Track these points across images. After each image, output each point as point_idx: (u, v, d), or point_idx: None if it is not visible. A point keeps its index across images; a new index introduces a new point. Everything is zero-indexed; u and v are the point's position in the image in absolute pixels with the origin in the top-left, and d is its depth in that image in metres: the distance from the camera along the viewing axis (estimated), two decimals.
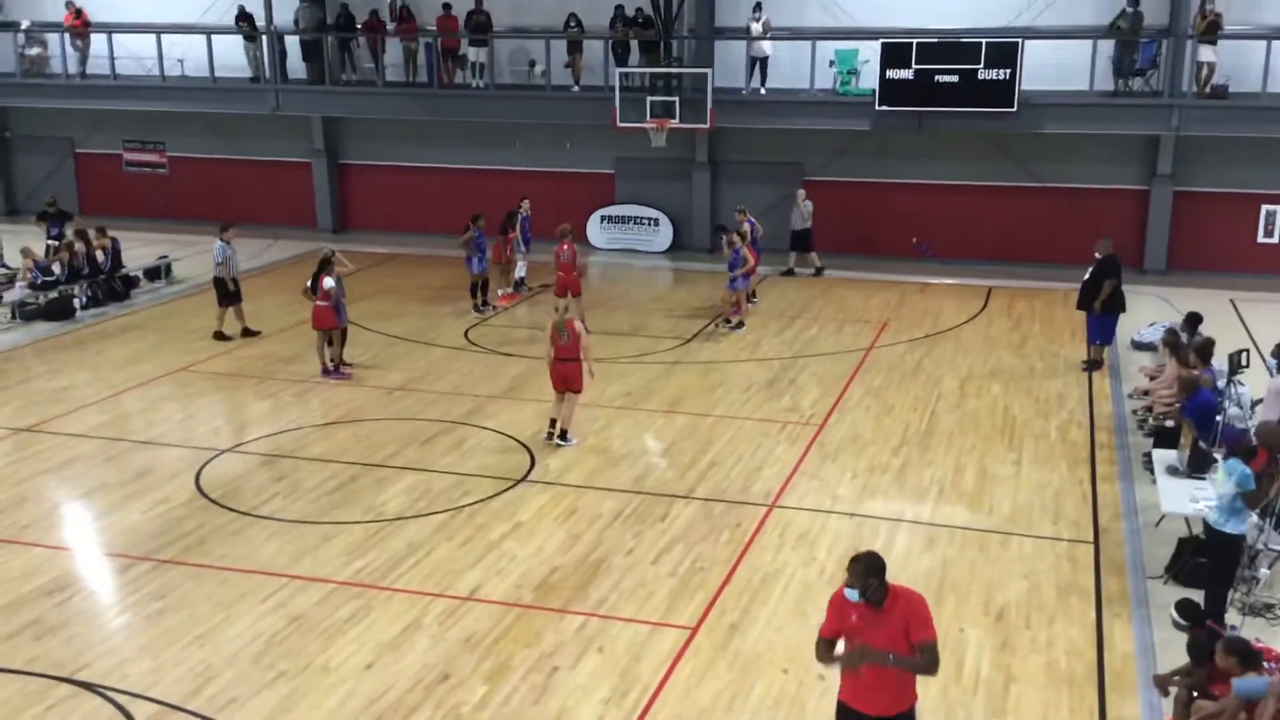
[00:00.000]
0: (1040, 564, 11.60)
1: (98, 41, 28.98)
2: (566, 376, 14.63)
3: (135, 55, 28.76)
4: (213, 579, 11.28)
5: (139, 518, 12.72)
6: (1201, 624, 9.02)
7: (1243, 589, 10.53)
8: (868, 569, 7.08)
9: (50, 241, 23.67)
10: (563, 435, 14.86)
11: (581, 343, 14.49)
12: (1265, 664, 8.07)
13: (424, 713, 9.12)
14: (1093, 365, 18.03)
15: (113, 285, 22.51)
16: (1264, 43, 22.48)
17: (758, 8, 25.20)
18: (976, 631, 10.30)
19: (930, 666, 7.05)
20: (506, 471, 14.00)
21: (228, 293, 19.70)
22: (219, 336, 19.72)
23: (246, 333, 19.91)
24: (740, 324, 20.35)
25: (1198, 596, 10.14)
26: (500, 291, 22.40)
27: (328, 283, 17.27)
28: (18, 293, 21.17)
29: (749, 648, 10.04)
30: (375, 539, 12.15)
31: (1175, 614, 9.17)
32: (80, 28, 29.19)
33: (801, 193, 24.57)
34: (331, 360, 17.75)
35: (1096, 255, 17.84)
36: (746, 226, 21.42)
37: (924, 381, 17.55)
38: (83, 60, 29.31)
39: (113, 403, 16.67)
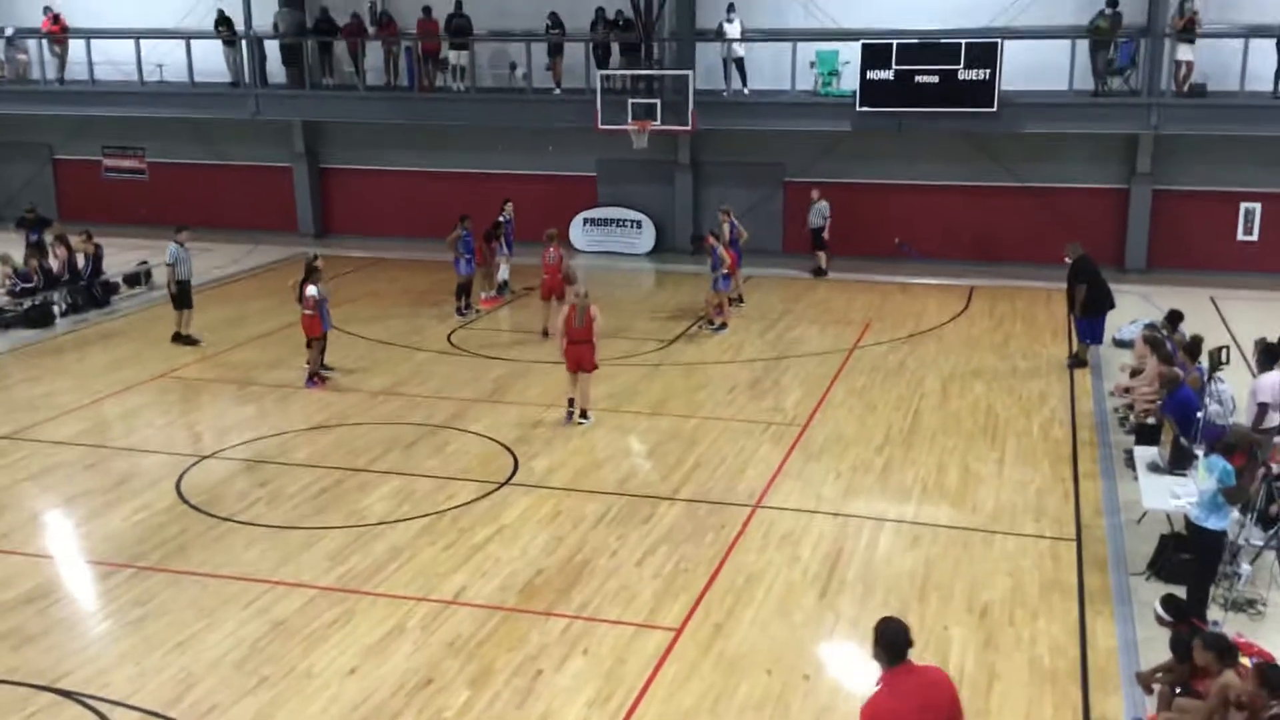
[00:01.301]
0: (1023, 561, 11.63)
1: (76, 47, 28.84)
2: (580, 358, 15.32)
3: (114, 61, 28.60)
4: (194, 585, 11.22)
5: (120, 524, 12.64)
6: (1185, 620, 9.05)
7: (1225, 585, 10.57)
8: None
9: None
10: (583, 414, 15.54)
11: (595, 325, 15.28)
12: (1245, 659, 8.10)
13: (407, 718, 9.08)
14: (1078, 363, 18.10)
15: (92, 292, 22.38)
16: (1242, 41, 22.59)
17: (730, 9, 25.23)
18: (960, 629, 10.31)
19: None
20: (490, 474, 13.96)
21: (174, 295, 19.55)
22: (179, 339, 19.56)
23: (179, 338, 19.64)
24: (723, 325, 20.36)
25: (1180, 593, 10.17)
26: (483, 295, 22.36)
27: (310, 290, 17.20)
28: None
29: (733, 649, 10.03)
30: (358, 544, 12.10)
31: (1159, 609, 9.19)
32: (59, 34, 29.05)
33: (815, 192, 24.60)
34: (309, 366, 17.66)
35: (1067, 259, 17.98)
36: (726, 227, 21.45)
37: (907, 381, 17.58)
38: (61, 66, 29.18)
39: (93, 409, 16.57)
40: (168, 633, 10.33)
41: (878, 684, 6.41)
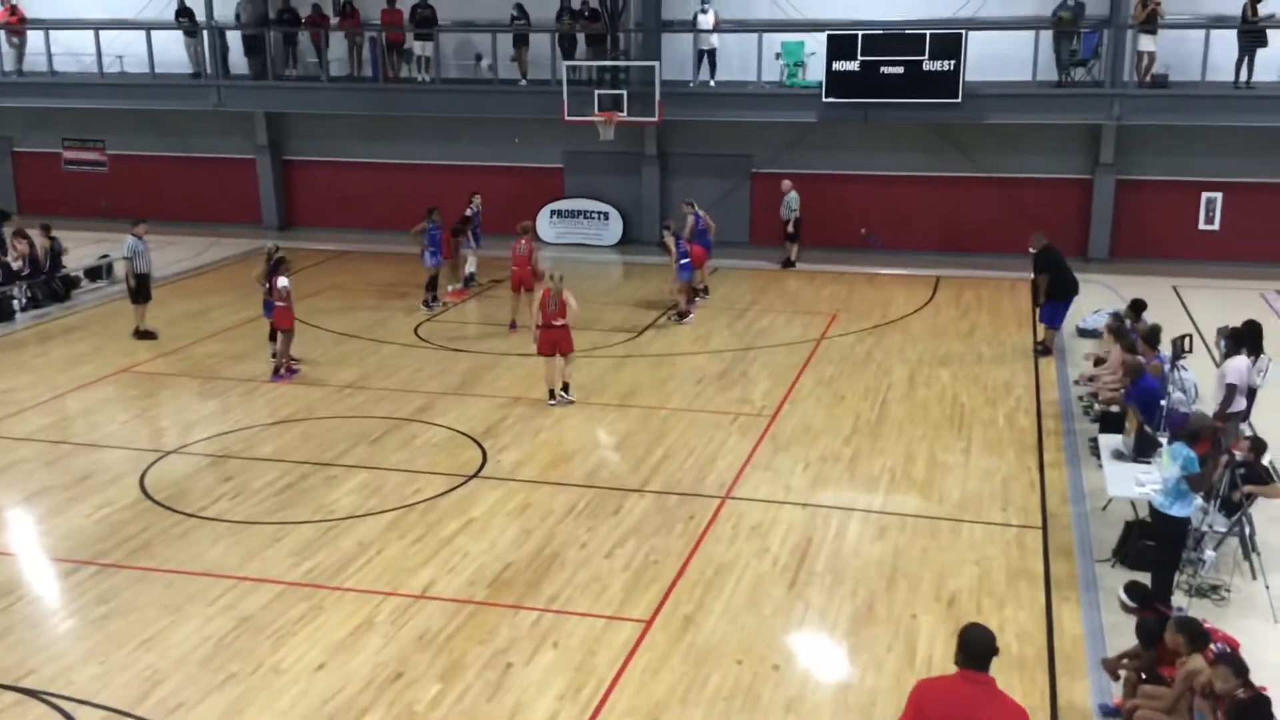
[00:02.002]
0: (990, 550, 11.70)
1: (34, 38, 28.45)
2: (555, 341, 15.71)
3: (73, 52, 28.26)
4: (159, 582, 11.11)
5: (82, 521, 12.49)
6: (1150, 606, 9.13)
7: (1189, 571, 10.68)
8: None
9: None
10: (564, 389, 15.97)
11: (569, 309, 15.61)
12: (1213, 644, 8.18)
13: (377, 712, 9.03)
14: (1044, 350, 18.24)
15: (53, 286, 22.10)
16: (1203, 32, 22.80)
17: (705, 0, 25.21)
18: (929, 618, 10.36)
19: None
20: (458, 468, 13.90)
21: (135, 289, 19.37)
22: (139, 335, 19.39)
23: (140, 334, 19.45)
24: (685, 314, 20.39)
25: (1145, 579, 10.26)
26: (450, 287, 22.25)
27: (281, 282, 17.07)
28: None
29: (703, 640, 10.04)
30: (325, 538, 12.02)
31: (1123, 596, 9.27)
32: (16, 25, 28.65)
33: (787, 184, 24.61)
34: (274, 358, 17.53)
35: (1031, 250, 18.13)
36: (691, 219, 21.48)
37: (874, 371, 17.64)
38: (19, 58, 28.78)
39: (55, 405, 16.37)
40: (132, 630, 10.23)
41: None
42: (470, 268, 22.70)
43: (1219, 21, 23.11)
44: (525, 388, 16.81)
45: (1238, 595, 10.64)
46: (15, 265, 21.62)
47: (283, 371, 17.39)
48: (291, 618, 10.41)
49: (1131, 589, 9.33)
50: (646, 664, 9.67)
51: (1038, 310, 18.61)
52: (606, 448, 14.72)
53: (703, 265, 21.68)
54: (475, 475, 13.69)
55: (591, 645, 9.95)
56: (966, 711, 6.20)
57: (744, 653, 9.83)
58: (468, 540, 11.96)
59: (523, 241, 19.81)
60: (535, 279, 19.48)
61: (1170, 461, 10.13)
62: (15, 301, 21.27)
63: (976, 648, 6.31)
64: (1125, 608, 9.26)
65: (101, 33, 27.43)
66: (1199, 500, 10.55)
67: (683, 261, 20.18)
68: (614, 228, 27.37)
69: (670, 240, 20.38)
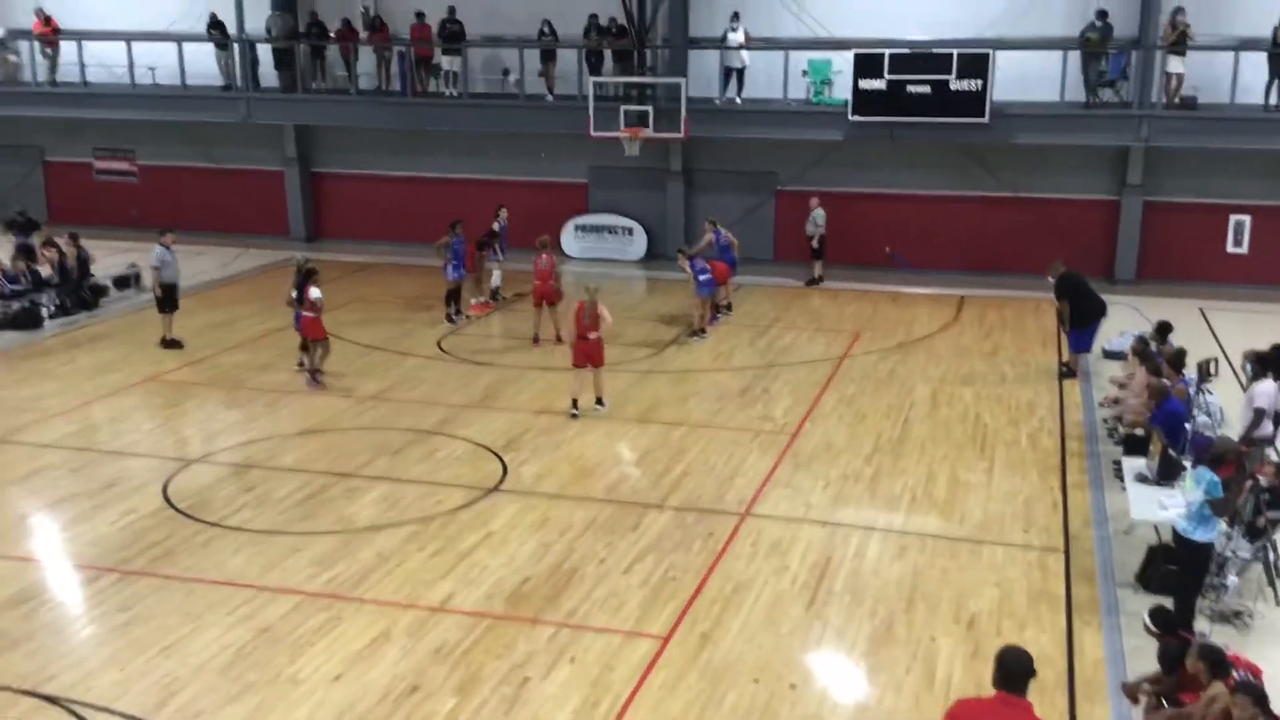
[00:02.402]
0: (1011, 572, 11.63)
1: (68, 49, 28.80)
2: (589, 353, 15.99)
3: (106, 63, 28.56)
4: (180, 590, 11.17)
5: (106, 529, 12.58)
6: (1173, 632, 9.05)
7: (1212, 596, 10.58)
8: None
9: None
10: (599, 401, 16.26)
11: (603, 322, 15.92)
12: (1235, 672, 8.10)
13: None
14: (1069, 372, 18.14)
15: (81, 294, 22.31)
16: (1232, 54, 22.69)
17: (735, 17, 25.27)
18: (948, 640, 10.30)
19: None
20: (478, 481, 13.93)
21: (162, 298, 19.53)
22: (166, 344, 19.53)
23: (166, 343, 19.60)
24: (700, 332, 20.41)
25: (1168, 604, 10.17)
26: (474, 300, 22.33)
27: (314, 293, 17.20)
28: None
29: (720, 657, 10.01)
30: (345, 549, 12.06)
31: (1147, 621, 9.19)
32: (50, 35, 29.00)
33: (814, 201, 24.61)
34: (308, 367, 17.64)
35: (1049, 279, 18.05)
36: (711, 236, 21.52)
37: (896, 390, 17.59)
38: (52, 68, 29.12)
39: (81, 412, 16.50)
40: (153, 638, 10.28)
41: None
42: (495, 282, 22.77)
43: (1248, 44, 23.00)
44: (547, 401, 16.84)
45: (1261, 622, 10.54)
46: (45, 273, 21.84)
47: (319, 379, 17.51)
48: (310, 628, 10.45)
49: (1155, 614, 9.25)
50: (663, 681, 9.65)
51: (1065, 334, 18.51)
52: (627, 463, 14.72)
53: (727, 282, 21.72)
54: (495, 488, 13.72)
55: (609, 661, 9.94)
56: None
57: (761, 671, 9.79)
58: (486, 553, 11.97)
59: (544, 256, 19.86)
60: (558, 296, 19.64)
61: (1194, 486, 10.05)
62: (44, 309, 21.47)
63: (1015, 669, 6.44)
64: (1148, 632, 9.19)
65: (134, 44, 27.74)
66: (1222, 525, 10.46)
67: (702, 278, 20.21)
68: (638, 243, 27.43)
69: (685, 263, 20.45)
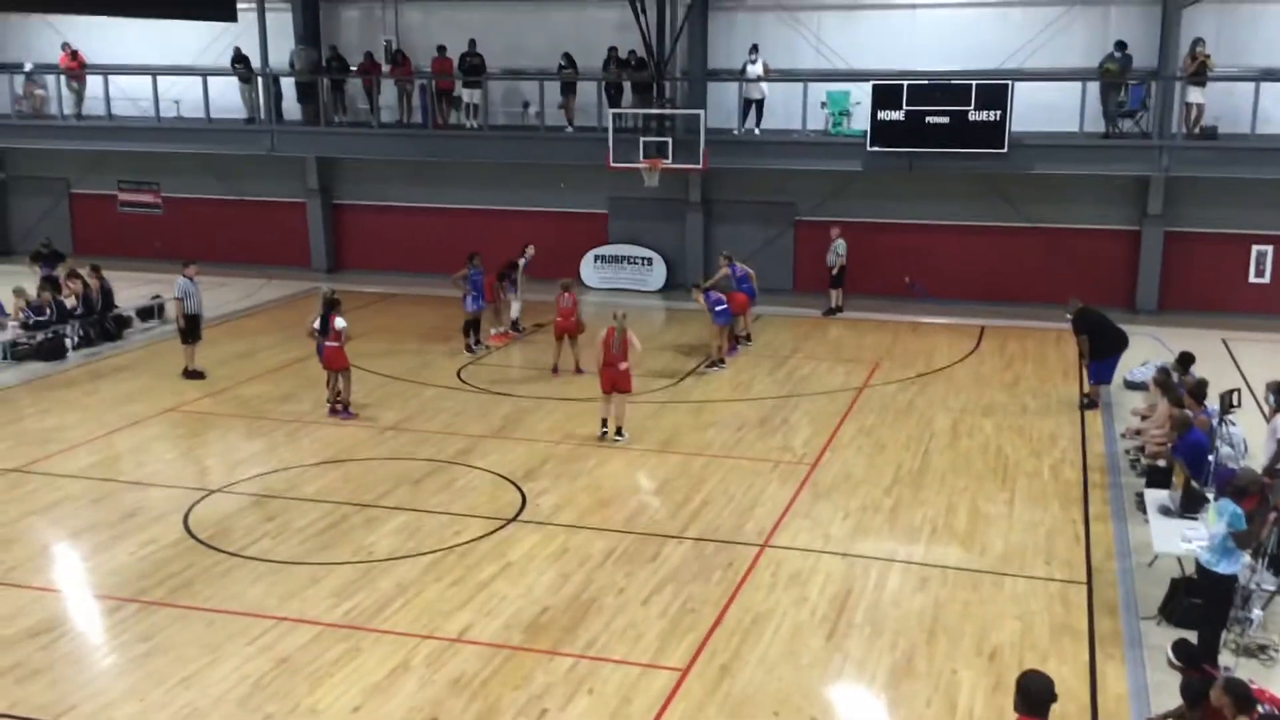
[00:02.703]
0: (1033, 604, 11.54)
1: (94, 83, 29.14)
2: (615, 380, 16.17)
3: (131, 96, 28.91)
4: (200, 621, 11.19)
5: (126, 559, 12.63)
6: (1196, 666, 8.95)
7: (1236, 630, 10.47)
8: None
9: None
10: (619, 432, 16.34)
11: (632, 350, 16.23)
12: (1260, 706, 8.01)
13: None
14: (1090, 404, 18.06)
15: (105, 325, 22.49)
16: (1252, 84, 22.65)
17: (754, 50, 25.40)
18: (970, 672, 10.22)
19: None
20: (497, 511, 13.94)
21: (185, 329, 19.66)
22: (188, 374, 19.65)
23: (189, 373, 19.71)
24: (720, 362, 20.43)
25: (1192, 637, 10.08)
26: (493, 331, 22.40)
27: (339, 323, 17.31)
28: (10, 333, 21.13)
29: (740, 690, 9.96)
30: (364, 580, 12.07)
31: (1170, 655, 9.10)
32: (76, 69, 29.37)
33: (835, 231, 24.65)
34: (339, 400, 17.71)
35: (1068, 317, 18.01)
36: (728, 270, 21.58)
37: (916, 421, 17.53)
38: (78, 101, 29.46)
39: (103, 443, 16.60)
40: (172, 668, 10.30)
41: None
42: (514, 313, 22.83)
43: (1269, 74, 22.97)
44: (566, 431, 16.86)
45: None
46: (69, 304, 22.03)
47: (351, 410, 17.61)
48: (329, 659, 10.45)
49: (1179, 647, 9.16)
50: (682, 713, 9.60)
51: (1086, 366, 18.45)
52: (646, 493, 14.70)
53: (746, 312, 21.74)
54: (514, 519, 13.71)
55: (627, 693, 9.90)
56: None
57: (780, 704, 9.73)
58: (505, 584, 11.96)
59: (567, 295, 19.88)
60: (580, 329, 19.74)
61: (1216, 518, 9.97)
62: (68, 340, 21.65)
63: (1036, 694, 6.61)
64: (1171, 665, 9.10)
65: (159, 78, 28.07)
66: (1246, 558, 10.37)
67: (718, 309, 20.25)
68: (658, 273, 27.49)
69: (700, 297, 20.53)
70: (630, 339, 16.24)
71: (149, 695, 9.86)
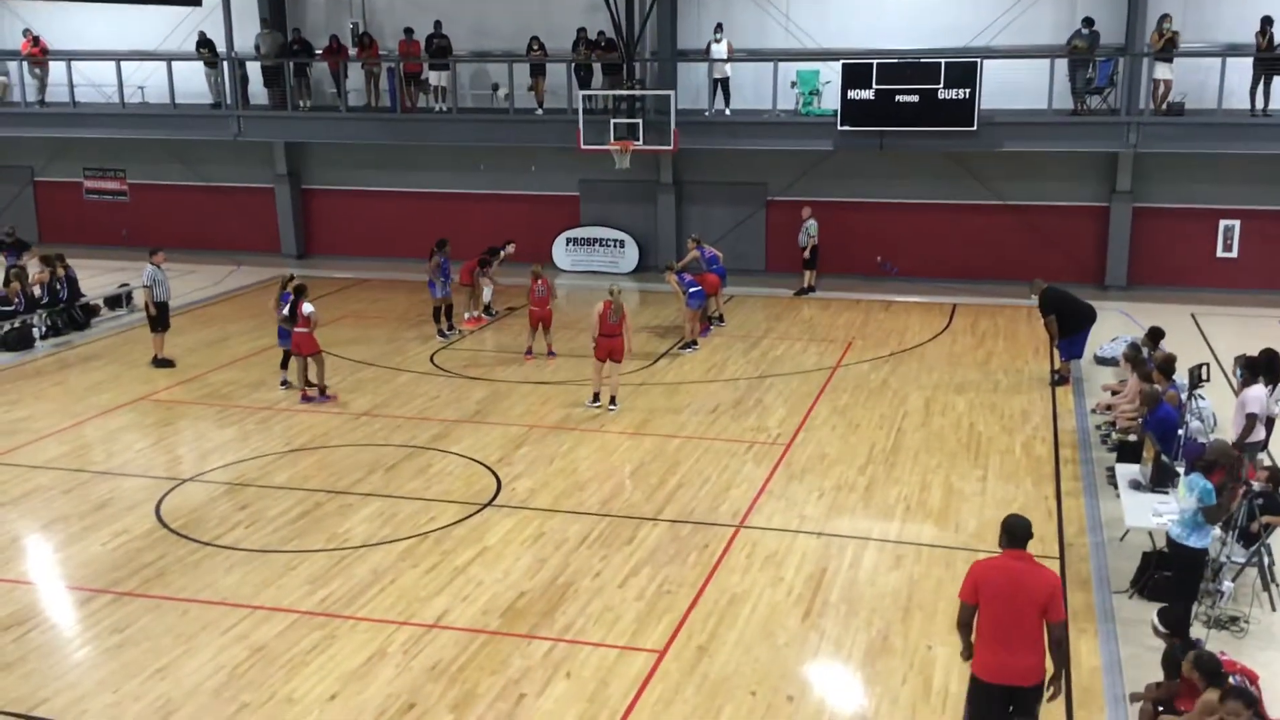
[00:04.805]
0: None
1: (56, 69, 28.76)
2: (612, 349, 16.78)
3: (95, 83, 28.57)
4: (173, 611, 11.12)
5: (98, 549, 12.53)
6: (1181, 633, 9.01)
7: (1207, 602, 10.58)
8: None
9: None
10: (612, 400, 17.01)
11: (625, 322, 16.92)
12: (1231, 677, 8.09)
13: None
14: (1060, 379, 18.18)
15: (73, 314, 22.26)
16: (1219, 60, 22.78)
17: (719, 29, 25.33)
18: (945, 649, 10.27)
19: None
20: (472, 496, 13.91)
21: (153, 317, 19.51)
22: (157, 363, 19.51)
23: (158, 362, 19.58)
24: (693, 344, 20.44)
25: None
26: (467, 315, 22.33)
27: (307, 308, 17.21)
28: None
29: (717, 670, 9.99)
30: (339, 567, 12.02)
31: (1156, 622, 9.13)
32: (39, 56, 28.97)
33: (807, 210, 24.65)
34: (314, 384, 17.64)
35: (1032, 297, 18.12)
36: (697, 253, 21.59)
37: (889, 399, 17.60)
38: (41, 88, 29.08)
39: (73, 433, 16.45)
40: (146, 659, 10.24)
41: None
42: (487, 297, 22.75)
43: (1235, 49, 23.10)
44: (540, 415, 16.83)
45: (1256, 627, 10.54)
46: (35, 293, 21.78)
47: (328, 393, 17.58)
48: (304, 647, 10.41)
49: (1164, 614, 9.18)
50: (660, 695, 9.62)
51: (1056, 346, 18.55)
52: (621, 476, 14.70)
53: (718, 293, 21.75)
54: (489, 503, 13.69)
55: (604, 676, 9.91)
56: (1016, 579, 7.82)
57: (758, 684, 9.77)
58: (481, 569, 11.94)
59: (540, 283, 19.80)
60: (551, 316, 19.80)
61: (1187, 493, 10.06)
62: (35, 330, 21.42)
63: (1017, 533, 7.98)
64: (1156, 633, 9.16)
65: (123, 64, 27.73)
66: (1217, 531, 10.47)
67: (691, 291, 20.27)
68: (630, 255, 27.45)
69: (673, 279, 20.54)
70: (625, 313, 16.94)
71: (123, 687, 9.80)
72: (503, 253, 22.48)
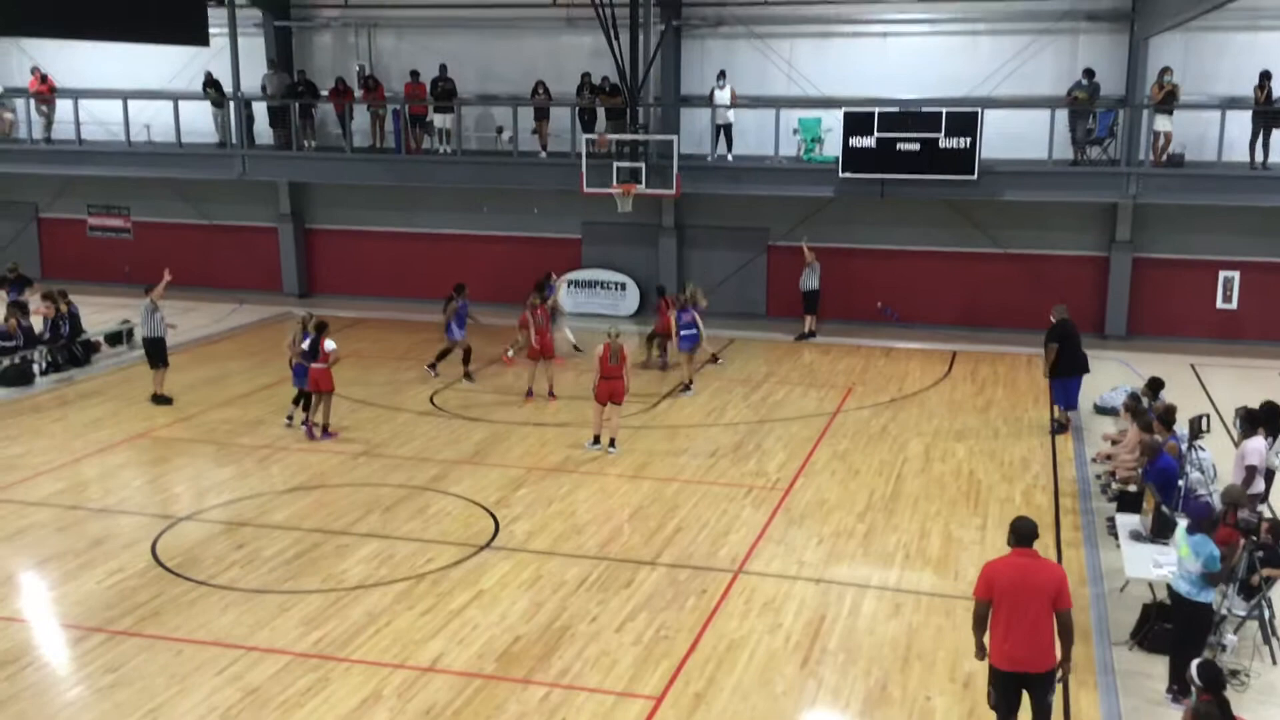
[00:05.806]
0: None
1: (63, 107, 28.94)
2: (613, 391, 16.82)
3: (101, 120, 28.75)
4: (167, 651, 11.04)
5: (93, 587, 12.46)
6: (1216, 691, 8.84)
7: (1208, 656, 10.48)
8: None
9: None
10: (611, 443, 16.98)
11: (625, 364, 16.93)
12: None
13: None
14: (1060, 428, 18.15)
15: (73, 350, 22.27)
16: (1219, 113, 22.93)
17: (721, 75, 25.54)
18: (944, 699, 10.21)
19: None
20: (469, 538, 13.85)
21: (151, 353, 19.53)
22: (156, 400, 19.51)
23: (157, 399, 19.57)
24: (687, 386, 20.45)
25: (1164, 663, 10.07)
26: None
27: (329, 345, 17.30)
28: None
29: (714, 718, 9.90)
30: (335, 608, 11.95)
31: (1194, 674, 8.91)
32: (46, 93, 29.16)
33: (810, 253, 24.68)
34: (318, 424, 17.69)
35: (1051, 319, 18.11)
36: (670, 315, 21.62)
37: (889, 446, 17.57)
38: (48, 126, 29.25)
39: (70, 469, 16.41)
40: (139, 700, 10.15)
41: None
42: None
43: (1234, 102, 23.26)
44: (540, 457, 16.80)
45: (1258, 681, 10.46)
46: (37, 329, 21.81)
47: (330, 430, 17.62)
48: (299, 689, 10.33)
49: (1203, 669, 8.93)
50: None
51: (1050, 384, 18.47)
52: (619, 520, 14.65)
53: (669, 333, 21.46)
54: (487, 546, 13.63)
55: None
56: (1025, 574, 8.58)
57: None
58: (478, 612, 11.87)
59: (539, 311, 19.84)
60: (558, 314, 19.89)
61: (1192, 556, 9.92)
62: (35, 366, 21.42)
63: (1025, 532, 8.73)
64: (1192, 685, 8.98)
65: (129, 102, 27.91)
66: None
67: (684, 333, 20.33)
68: (631, 298, 27.50)
69: (671, 314, 20.70)
70: (625, 354, 16.95)
71: None
72: (555, 295, 22.43)
